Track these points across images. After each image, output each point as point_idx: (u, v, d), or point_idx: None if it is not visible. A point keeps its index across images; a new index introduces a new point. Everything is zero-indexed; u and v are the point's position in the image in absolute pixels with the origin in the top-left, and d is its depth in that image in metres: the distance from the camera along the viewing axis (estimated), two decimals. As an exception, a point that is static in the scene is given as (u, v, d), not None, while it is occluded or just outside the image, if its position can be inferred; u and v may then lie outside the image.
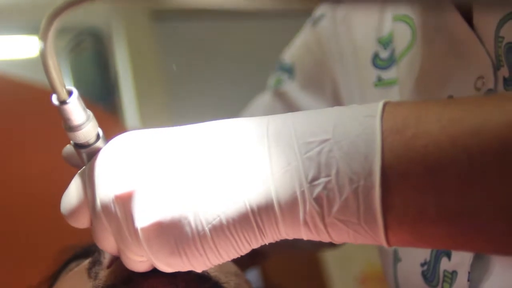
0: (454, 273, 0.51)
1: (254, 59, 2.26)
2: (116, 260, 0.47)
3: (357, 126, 0.38)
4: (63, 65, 2.01)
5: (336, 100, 0.71)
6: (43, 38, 0.39)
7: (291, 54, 0.76)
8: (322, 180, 0.37)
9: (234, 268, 0.52)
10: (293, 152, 0.38)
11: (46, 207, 0.80)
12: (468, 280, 0.50)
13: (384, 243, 0.39)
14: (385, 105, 0.39)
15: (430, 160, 0.36)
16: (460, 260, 0.51)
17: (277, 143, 0.39)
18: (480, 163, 0.36)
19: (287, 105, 0.75)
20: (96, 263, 0.49)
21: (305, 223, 0.39)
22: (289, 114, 0.41)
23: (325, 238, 0.40)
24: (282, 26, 2.15)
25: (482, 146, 0.35)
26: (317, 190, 0.38)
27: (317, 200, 0.38)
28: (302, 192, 0.38)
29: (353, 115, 0.39)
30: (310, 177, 0.38)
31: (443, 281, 0.52)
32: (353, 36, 0.66)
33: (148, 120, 2.08)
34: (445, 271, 0.52)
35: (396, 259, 0.59)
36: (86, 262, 0.50)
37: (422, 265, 0.55)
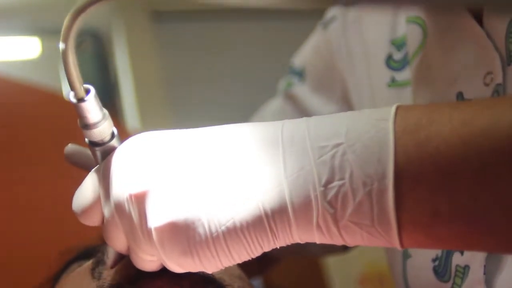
0: (466, 268, 0.52)
1: (254, 60, 2.27)
2: (120, 260, 0.47)
3: (370, 129, 0.38)
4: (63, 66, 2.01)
5: (346, 102, 0.71)
6: (65, 36, 0.39)
7: (301, 57, 0.77)
8: (336, 183, 0.38)
9: (238, 270, 0.52)
10: (307, 156, 0.39)
11: (47, 208, 0.80)
12: (484, 274, 0.50)
13: (397, 244, 0.39)
14: (397, 108, 0.39)
15: (442, 161, 0.37)
16: (472, 255, 0.51)
17: (291, 147, 0.39)
18: (491, 163, 0.36)
19: (297, 107, 0.76)
20: (99, 263, 0.49)
21: (318, 226, 0.39)
22: (303, 118, 0.41)
23: (338, 241, 0.40)
24: (284, 27, 2.16)
25: (494, 146, 0.36)
26: (331, 193, 0.38)
27: (331, 203, 0.38)
28: (316, 196, 0.38)
29: (366, 119, 0.39)
30: (324, 181, 0.38)
31: (455, 276, 0.53)
32: (365, 38, 0.67)
33: (148, 121, 2.08)
34: (457, 265, 0.52)
35: (406, 255, 0.59)
36: (89, 262, 0.50)
37: (434, 260, 0.55)
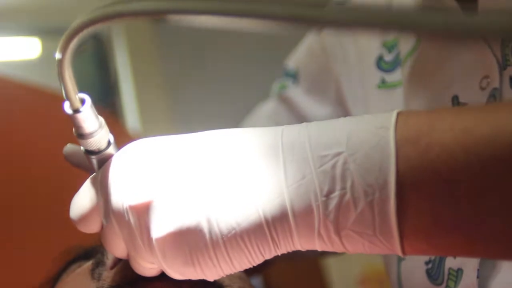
0: (459, 271, 0.51)
1: (254, 60, 2.26)
2: (120, 262, 0.47)
3: (370, 137, 0.38)
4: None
5: (340, 103, 0.71)
6: (63, 50, 0.39)
7: (295, 59, 0.77)
8: (337, 193, 0.38)
9: (238, 271, 0.52)
10: (307, 165, 0.39)
11: (47, 209, 0.80)
12: (478, 277, 0.50)
13: (399, 253, 0.39)
14: (397, 115, 0.39)
15: (443, 170, 0.36)
16: (466, 258, 0.51)
17: (291, 156, 0.39)
18: (493, 171, 0.36)
19: (291, 110, 0.76)
20: (99, 264, 0.49)
21: (320, 235, 0.39)
22: (303, 125, 0.41)
23: (339, 249, 0.40)
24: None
25: (495, 154, 0.35)
26: (333, 203, 0.38)
27: (332, 213, 0.38)
28: (318, 206, 0.38)
29: (366, 127, 0.39)
30: (325, 190, 0.38)
31: (448, 279, 0.52)
32: (357, 39, 0.67)
33: (148, 122, 2.08)
34: (450, 269, 0.52)
35: (400, 258, 0.59)
36: (89, 263, 0.50)
37: (427, 263, 0.55)
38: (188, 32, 2.25)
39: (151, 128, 2.08)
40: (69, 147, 0.49)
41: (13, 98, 0.93)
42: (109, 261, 0.48)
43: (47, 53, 2.13)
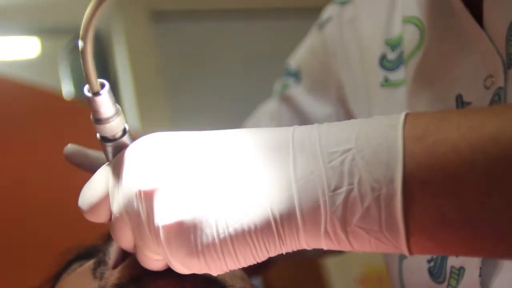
0: (461, 269, 0.52)
1: (253, 60, 2.27)
2: (122, 261, 0.47)
3: (379, 135, 0.38)
4: (62, 65, 2.01)
5: (341, 102, 0.72)
6: (85, 28, 0.39)
7: (297, 58, 0.78)
8: (345, 188, 0.38)
9: (240, 272, 0.52)
10: (317, 161, 0.39)
11: (47, 208, 0.80)
12: (480, 276, 0.50)
13: (405, 250, 0.39)
14: (406, 115, 0.39)
15: (450, 167, 0.37)
16: (468, 257, 0.51)
17: (301, 152, 0.40)
18: (499, 169, 0.36)
19: (293, 109, 0.76)
20: (101, 263, 0.49)
21: (326, 232, 0.39)
22: (314, 125, 0.41)
23: (346, 247, 0.40)
24: (283, 27, 2.16)
25: (501, 152, 0.36)
26: (340, 199, 0.38)
27: (339, 209, 0.38)
28: (325, 201, 0.38)
29: (375, 125, 0.39)
30: (333, 186, 0.38)
31: (450, 277, 0.53)
32: (360, 38, 0.67)
33: (148, 121, 2.08)
34: (452, 267, 0.52)
35: (402, 256, 0.59)
36: (91, 262, 0.50)
37: (429, 261, 0.55)
38: (188, 32, 2.25)
39: (150, 128, 2.08)
40: (70, 147, 0.49)
41: (12, 98, 0.93)
42: (111, 261, 0.48)
43: (46, 53, 2.13)
